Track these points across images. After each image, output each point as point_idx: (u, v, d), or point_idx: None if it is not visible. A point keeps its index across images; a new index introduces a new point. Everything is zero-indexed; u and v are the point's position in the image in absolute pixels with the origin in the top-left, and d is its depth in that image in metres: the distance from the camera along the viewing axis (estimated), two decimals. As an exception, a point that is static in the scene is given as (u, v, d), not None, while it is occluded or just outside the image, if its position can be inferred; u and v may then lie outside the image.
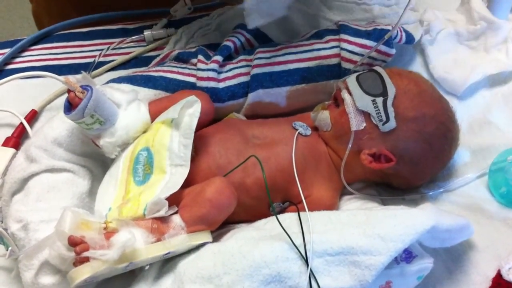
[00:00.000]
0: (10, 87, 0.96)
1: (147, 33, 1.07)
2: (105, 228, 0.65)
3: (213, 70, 0.88)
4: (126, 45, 1.07)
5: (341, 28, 0.90)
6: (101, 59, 1.03)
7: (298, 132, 0.82)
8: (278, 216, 0.68)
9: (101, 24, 1.13)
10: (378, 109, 0.78)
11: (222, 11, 1.08)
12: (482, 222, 0.78)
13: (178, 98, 0.78)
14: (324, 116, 0.83)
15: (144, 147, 0.76)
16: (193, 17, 1.10)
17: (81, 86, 0.72)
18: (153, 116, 0.80)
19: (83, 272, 0.63)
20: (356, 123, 0.78)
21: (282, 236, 0.66)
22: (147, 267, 0.70)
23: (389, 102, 0.78)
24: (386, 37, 0.83)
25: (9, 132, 0.90)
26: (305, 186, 0.77)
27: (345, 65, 0.87)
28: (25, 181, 0.76)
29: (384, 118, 0.77)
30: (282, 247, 0.65)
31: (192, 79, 0.88)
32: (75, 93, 0.72)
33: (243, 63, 0.90)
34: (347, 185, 0.81)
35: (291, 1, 0.85)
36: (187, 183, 0.72)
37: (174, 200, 0.70)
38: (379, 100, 0.78)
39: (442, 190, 0.84)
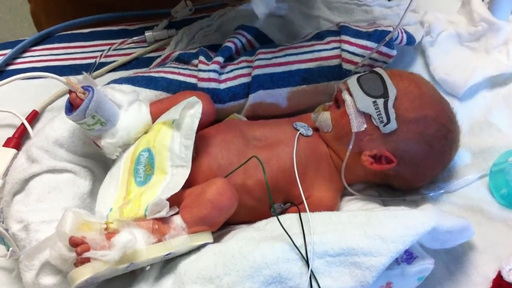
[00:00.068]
0: (11, 87, 0.96)
1: (148, 34, 1.07)
2: (106, 229, 0.65)
3: (214, 71, 0.88)
4: (127, 46, 1.07)
5: (342, 29, 0.90)
6: (102, 60, 1.03)
7: (300, 133, 0.82)
8: (279, 217, 0.68)
9: (102, 25, 1.13)
10: (379, 111, 0.78)
11: (223, 12, 1.08)
12: (482, 223, 0.78)
13: (179, 99, 0.78)
14: (324, 117, 0.83)
15: (145, 148, 0.76)
16: (194, 18, 1.10)
17: (82, 87, 0.73)
18: (154, 117, 0.80)
19: (84, 273, 0.63)
20: (357, 125, 0.78)
21: (283, 237, 0.66)
22: (147, 268, 0.70)
23: (390, 104, 0.78)
24: (387, 38, 0.83)
25: (10, 132, 0.90)
26: (306, 187, 0.77)
27: (346, 66, 0.87)
28: (26, 181, 0.76)
29: (385, 120, 0.77)
30: (283, 248, 0.65)
31: (193, 80, 0.88)
32: (76, 94, 0.72)
33: (244, 64, 0.90)
34: (347, 186, 0.81)
35: None
36: (188, 184, 0.72)
37: (175, 201, 0.70)
38: (380, 101, 0.78)
39: (442, 191, 0.84)
